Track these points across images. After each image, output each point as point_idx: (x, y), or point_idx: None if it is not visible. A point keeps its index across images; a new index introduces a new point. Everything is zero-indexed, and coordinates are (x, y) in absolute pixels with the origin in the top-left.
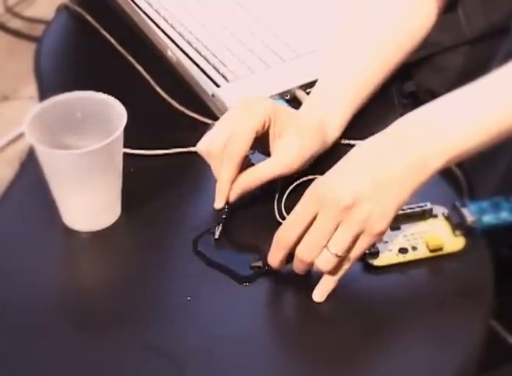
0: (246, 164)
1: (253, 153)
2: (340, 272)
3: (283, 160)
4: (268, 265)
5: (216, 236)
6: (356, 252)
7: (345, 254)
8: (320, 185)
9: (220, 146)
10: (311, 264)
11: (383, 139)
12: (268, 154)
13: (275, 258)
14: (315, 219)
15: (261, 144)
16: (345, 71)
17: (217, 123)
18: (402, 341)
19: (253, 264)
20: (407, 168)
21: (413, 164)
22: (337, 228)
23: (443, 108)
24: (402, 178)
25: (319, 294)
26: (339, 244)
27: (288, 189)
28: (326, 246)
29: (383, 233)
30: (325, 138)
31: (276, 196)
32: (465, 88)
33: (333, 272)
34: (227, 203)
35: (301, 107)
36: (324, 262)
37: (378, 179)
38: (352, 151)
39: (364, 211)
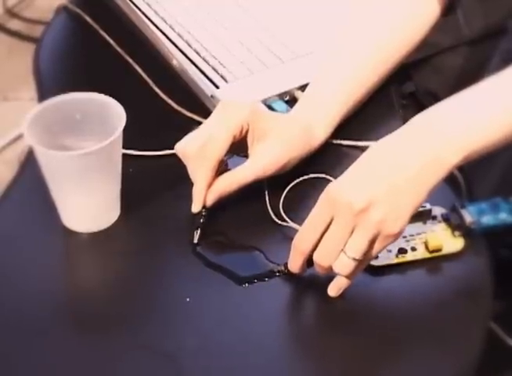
0: (223, 168)
1: (230, 158)
2: (356, 273)
3: (259, 165)
4: (289, 270)
5: (195, 241)
6: (373, 254)
7: (362, 257)
8: (334, 189)
9: (194, 149)
10: (330, 268)
11: (395, 140)
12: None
13: (294, 264)
14: (330, 223)
15: (242, 149)
16: (337, 74)
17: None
18: (401, 342)
19: (275, 269)
20: (423, 168)
21: (429, 163)
22: (352, 231)
23: (456, 106)
24: (418, 179)
25: (334, 290)
26: (356, 248)
27: (285, 189)
28: (343, 250)
29: (400, 235)
30: (309, 141)
31: (267, 196)
32: (475, 87)
33: (349, 273)
34: (204, 207)
35: (292, 109)
36: (342, 267)
37: (393, 181)
38: (365, 153)
39: (379, 213)
